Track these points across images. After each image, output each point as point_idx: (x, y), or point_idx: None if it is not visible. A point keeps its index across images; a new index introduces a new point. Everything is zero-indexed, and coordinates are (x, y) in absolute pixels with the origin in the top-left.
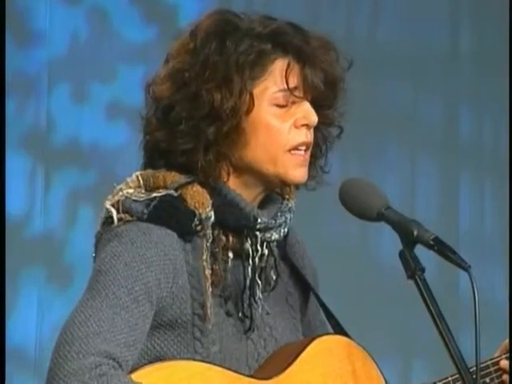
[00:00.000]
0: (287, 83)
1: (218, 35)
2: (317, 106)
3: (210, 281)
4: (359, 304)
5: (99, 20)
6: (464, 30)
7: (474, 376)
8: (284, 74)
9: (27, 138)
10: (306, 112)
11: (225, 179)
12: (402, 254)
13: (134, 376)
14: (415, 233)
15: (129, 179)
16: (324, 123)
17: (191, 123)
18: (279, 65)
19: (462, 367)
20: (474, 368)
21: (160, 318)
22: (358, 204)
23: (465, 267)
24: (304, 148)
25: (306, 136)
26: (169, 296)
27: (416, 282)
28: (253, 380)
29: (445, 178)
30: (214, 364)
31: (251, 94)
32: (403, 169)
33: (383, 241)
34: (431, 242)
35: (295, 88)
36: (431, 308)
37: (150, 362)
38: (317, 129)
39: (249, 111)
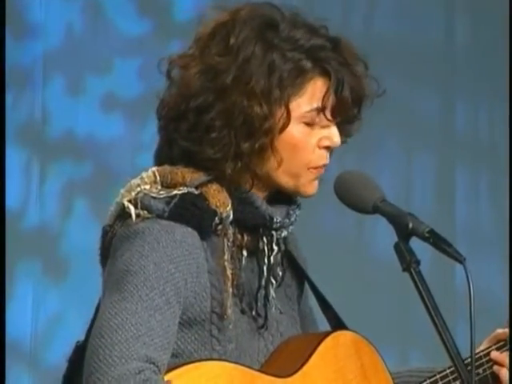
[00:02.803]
0: (323, 104)
1: (260, 39)
2: (342, 122)
3: (230, 280)
4: (355, 296)
5: (94, 12)
6: (459, 22)
7: (469, 368)
8: (322, 95)
9: (22, 130)
10: (332, 134)
11: (247, 187)
12: (397, 247)
13: (166, 378)
14: (410, 225)
15: (144, 174)
16: (345, 135)
17: (224, 133)
18: (316, 85)
19: (456, 360)
20: (469, 359)
21: (180, 317)
22: (353, 196)
23: (460, 260)
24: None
25: (327, 158)
26: (191, 295)
27: (411, 275)
28: (273, 378)
29: (441, 171)
30: (236, 363)
31: (288, 112)
32: (399, 162)
33: (378, 233)
34: (426, 235)
35: (325, 108)
36: (426, 300)
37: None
38: None
39: (283, 129)
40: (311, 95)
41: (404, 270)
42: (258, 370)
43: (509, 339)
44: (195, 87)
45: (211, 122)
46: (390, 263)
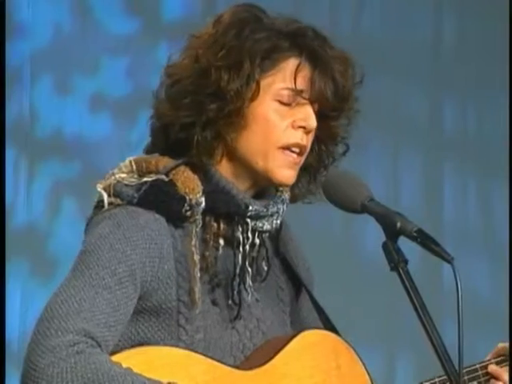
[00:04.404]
0: (295, 83)
1: (239, 24)
2: (323, 115)
3: (198, 266)
4: (343, 296)
5: (82, 11)
6: (447, 22)
7: (458, 368)
8: (294, 73)
9: (10, 129)
10: (306, 115)
11: (218, 159)
12: (385, 246)
13: (115, 358)
14: (398, 225)
15: (122, 164)
16: (329, 137)
17: (195, 98)
18: (291, 64)
19: (444, 359)
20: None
21: (145, 303)
22: (341, 196)
23: (448, 259)
24: (297, 151)
25: (302, 139)
26: (154, 280)
27: (399, 274)
28: (234, 370)
29: (428, 170)
30: (197, 352)
31: (258, 83)
32: (387, 161)
33: (367, 233)
34: (414, 234)
35: (302, 91)
36: (414, 300)
37: (134, 346)
38: (322, 143)
39: (253, 99)
40: (287, 74)
41: (392, 269)
42: (219, 361)
43: (509, 341)
44: (176, 67)
45: (185, 88)
46: (378, 263)
